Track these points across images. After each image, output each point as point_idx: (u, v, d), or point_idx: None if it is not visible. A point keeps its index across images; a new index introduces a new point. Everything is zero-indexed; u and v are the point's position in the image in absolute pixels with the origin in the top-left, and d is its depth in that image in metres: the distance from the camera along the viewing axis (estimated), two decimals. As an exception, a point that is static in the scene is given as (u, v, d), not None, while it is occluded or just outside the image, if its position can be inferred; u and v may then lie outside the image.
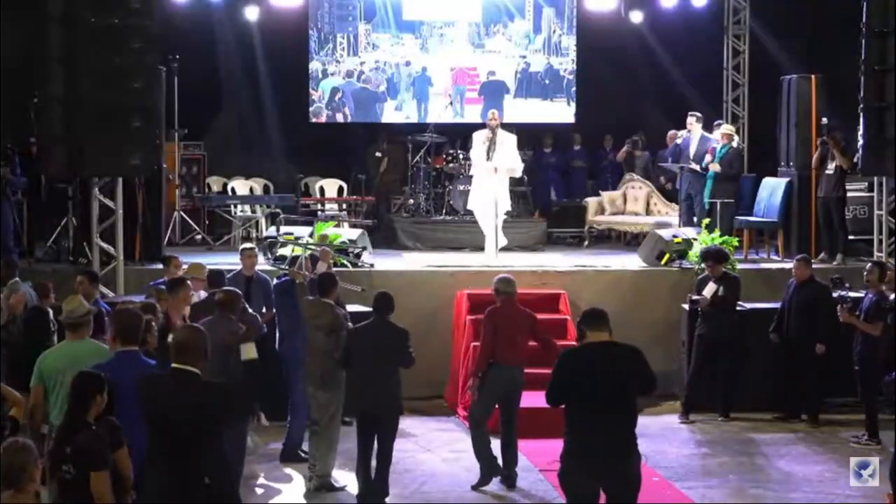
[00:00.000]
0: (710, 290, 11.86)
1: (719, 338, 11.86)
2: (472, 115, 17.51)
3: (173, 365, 6.35)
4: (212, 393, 6.36)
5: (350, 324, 9.50)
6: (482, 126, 14.67)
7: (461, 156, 15.84)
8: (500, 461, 9.79)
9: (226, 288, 9.68)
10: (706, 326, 11.90)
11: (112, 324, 7.63)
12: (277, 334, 10.57)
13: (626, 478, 6.80)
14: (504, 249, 14.15)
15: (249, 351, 8.94)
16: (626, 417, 6.82)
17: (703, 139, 15.02)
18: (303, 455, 10.20)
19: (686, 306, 12.36)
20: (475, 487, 9.70)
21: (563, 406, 6.89)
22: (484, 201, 14.10)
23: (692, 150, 15.04)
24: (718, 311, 11.85)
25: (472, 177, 14.68)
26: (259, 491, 9.67)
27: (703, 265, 12.35)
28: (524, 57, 17.93)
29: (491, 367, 9.75)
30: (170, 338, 6.92)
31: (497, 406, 9.90)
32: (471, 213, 14.61)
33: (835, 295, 11.58)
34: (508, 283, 10.02)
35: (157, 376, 6.71)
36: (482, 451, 9.74)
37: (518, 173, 14.85)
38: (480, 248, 14.36)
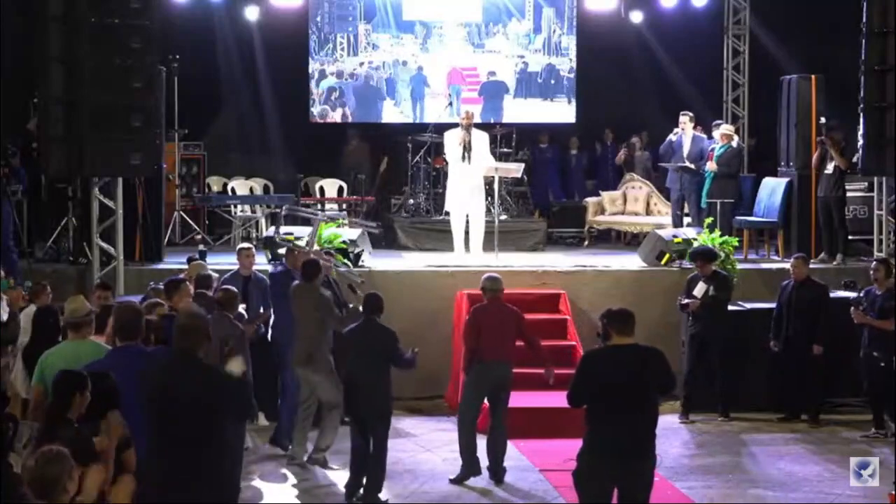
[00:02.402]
0: (700, 289, 11.84)
1: (712, 336, 11.85)
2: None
3: (175, 350, 6.30)
4: (214, 376, 6.29)
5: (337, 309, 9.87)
6: (478, 125, 14.63)
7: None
8: (486, 458, 9.88)
9: (224, 287, 9.69)
10: (699, 325, 11.89)
11: (113, 320, 7.62)
12: (272, 320, 10.67)
13: (643, 478, 6.88)
14: (504, 249, 14.14)
15: (235, 365, 8.91)
16: (647, 418, 6.89)
17: (697, 139, 15.02)
18: (332, 466, 10.14)
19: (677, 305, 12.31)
20: (453, 481, 9.81)
21: (584, 406, 6.94)
22: (457, 201, 14.06)
23: (685, 149, 15.02)
24: (710, 309, 11.83)
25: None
26: (255, 490, 9.65)
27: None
28: (524, 57, 17.94)
29: (477, 365, 9.85)
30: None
31: (487, 402, 10.02)
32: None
33: (840, 294, 11.60)
34: (495, 281, 10.12)
35: (158, 362, 6.61)
36: (467, 448, 9.85)
37: (517, 173, 14.86)
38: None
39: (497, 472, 9.86)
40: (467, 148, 13.88)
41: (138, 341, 7.26)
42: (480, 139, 14.08)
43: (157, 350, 7.40)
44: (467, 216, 14.05)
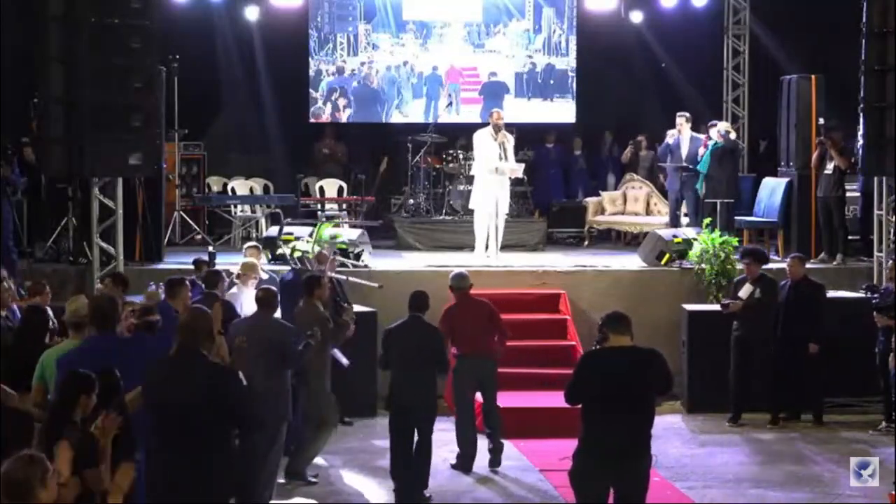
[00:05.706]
0: (746, 291, 11.67)
1: (756, 339, 11.62)
2: (468, 114, 17.64)
3: (179, 347, 6.27)
4: (219, 374, 6.25)
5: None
6: (479, 125, 14.63)
7: (461, 156, 15.84)
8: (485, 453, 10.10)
9: (263, 286, 9.60)
10: (744, 328, 11.66)
11: (89, 309, 7.63)
12: None
13: (638, 478, 6.92)
14: (504, 249, 14.14)
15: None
16: (642, 418, 6.93)
17: (694, 139, 15.03)
18: (310, 479, 9.77)
19: (717, 307, 12.02)
20: (454, 466, 10.05)
21: (579, 406, 7.01)
22: (488, 202, 14.03)
23: (683, 150, 15.04)
24: (756, 312, 11.58)
25: (472, 176, 14.61)
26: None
27: (741, 264, 12.24)
28: (524, 57, 17.93)
29: (458, 360, 10.08)
30: None
31: (480, 397, 10.27)
32: (471, 212, 14.54)
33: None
34: (461, 278, 10.36)
35: (163, 359, 6.54)
36: (465, 439, 10.07)
37: (519, 173, 14.90)
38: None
39: (495, 461, 10.10)
40: (504, 147, 13.93)
41: (113, 330, 7.33)
42: (510, 139, 14.17)
43: (134, 338, 7.43)
44: (493, 215, 14.01)
